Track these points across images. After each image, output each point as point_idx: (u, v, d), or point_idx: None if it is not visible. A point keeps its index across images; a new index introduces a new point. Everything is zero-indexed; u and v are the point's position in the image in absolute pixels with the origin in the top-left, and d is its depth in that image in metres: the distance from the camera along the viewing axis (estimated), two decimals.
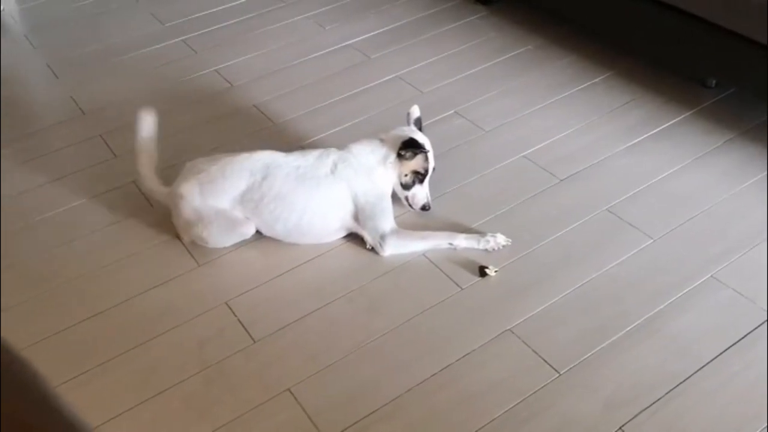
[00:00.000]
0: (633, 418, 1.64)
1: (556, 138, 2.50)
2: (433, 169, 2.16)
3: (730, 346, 1.79)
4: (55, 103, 2.86)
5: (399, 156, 2.11)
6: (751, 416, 1.64)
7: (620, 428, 1.62)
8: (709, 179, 2.31)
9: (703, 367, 1.75)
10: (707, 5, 2.39)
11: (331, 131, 2.57)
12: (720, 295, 1.93)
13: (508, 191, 2.28)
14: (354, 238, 2.12)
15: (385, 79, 2.85)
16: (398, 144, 2.10)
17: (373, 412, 1.67)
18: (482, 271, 2.00)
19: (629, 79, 2.77)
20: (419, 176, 2.13)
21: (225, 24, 3.27)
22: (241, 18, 3.31)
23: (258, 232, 2.09)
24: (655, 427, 1.63)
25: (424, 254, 2.07)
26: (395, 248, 2.06)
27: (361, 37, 3.12)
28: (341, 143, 2.18)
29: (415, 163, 2.11)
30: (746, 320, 1.86)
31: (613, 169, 2.36)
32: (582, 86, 2.75)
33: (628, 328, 1.84)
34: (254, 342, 1.85)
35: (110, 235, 2.18)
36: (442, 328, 1.87)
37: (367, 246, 2.09)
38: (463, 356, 1.79)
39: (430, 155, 2.14)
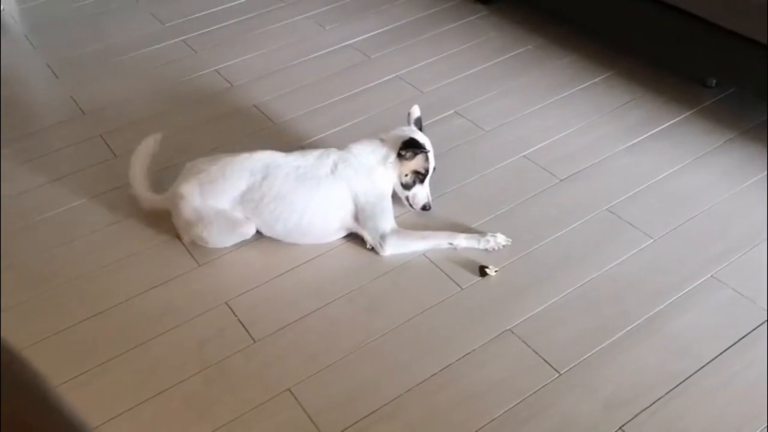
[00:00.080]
0: (633, 417, 1.64)
1: (556, 138, 2.50)
2: (434, 168, 2.16)
3: (730, 346, 1.79)
4: (55, 103, 2.86)
5: (399, 156, 2.11)
6: (751, 416, 1.64)
7: (620, 428, 1.62)
8: (709, 179, 2.31)
9: (703, 366, 1.75)
10: (707, 5, 2.39)
11: (331, 131, 2.57)
12: (720, 294, 1.93)
13: (508, 191, 2.28)
14: (354, 238, 2.12)
15: (385, 79, 2.85)
16: (398, 144, 2.10)
17: (373, 412, 1.67)
18: (482, 271, 2.00)
19: (629, 79, 2.77)
20: (420, 176, 2.13)
21: (225, 24, 3.27)
22: (241, 18, 3.31)
23: (258, 232, 2.09)
24: (655, 426, 1.63)
25: (424, 254, 2.07)
26: (395, 248, 2.06)
27: (361, 37, 3.12)
28: (341, 143, 2.18)
29: (416, 163, 2.11)
30: (746, 320, 1.86)
31: (613, 168, 2.36)
32: (582, 86, 2.75)
33: (628, 328, 1.84)
34: (254, 342, 1.85)
35: (110, 235, 2.18)
36: (442, 328, 1.87)
37: (367, 246, 2.09)
38: (463, 356, 1.79)
39: (431, 155, 2.14)
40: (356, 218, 2.08)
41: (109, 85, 2.89)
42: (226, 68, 2.96)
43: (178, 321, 1.90)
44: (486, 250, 2.07)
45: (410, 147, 2.09)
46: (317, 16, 3.30)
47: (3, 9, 3.44)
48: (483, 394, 1.70)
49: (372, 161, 2.11)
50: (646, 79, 2.76)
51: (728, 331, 1.83)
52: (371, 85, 2.82)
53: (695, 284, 1.95)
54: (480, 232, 2.11)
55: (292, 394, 1.71)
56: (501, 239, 2.08)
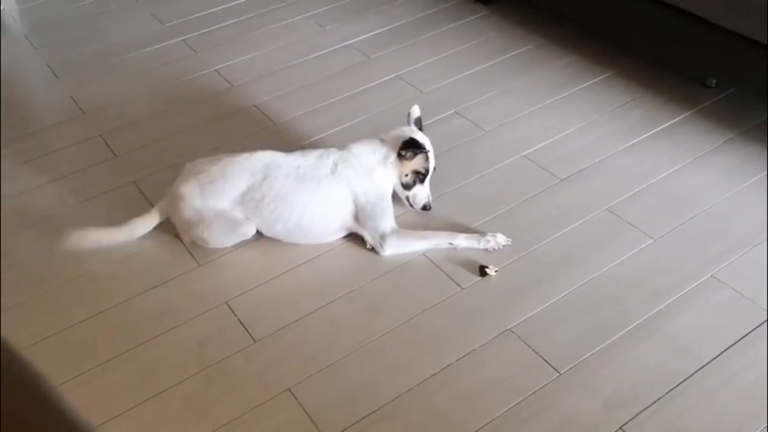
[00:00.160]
0: (633, 417, 1.64)
1: (556, 138, 2.50)
2: (434, 168, 2.16)
3: (731, 346, 1.79)
4: (55, 103, 2.85)
5: (399, 156, 2.11)
6: (751, 416, 1.64)
7: (620, 428, 1.62)
8: (709, 179, 2.31)
9: (703, 366, 1.75)
10: (707, 5, 2.39)
11: (331, 131, 2.57)
12: (720, 294, 1.93)
13: (508, 191, 2.28)
14: (354, 238, 2.12)
15: (385, 79, 2.85)
16: (399, 144, 2.10)
17: (374, 411, 1.67)
18: (482, 271, 2.00)
19: (629, 79, 2.77)
20: (420, 176, 2.13)
21: (225, 24, 3.27)
22: (241, 18, 3.31)
23: (258, 232, 2.09)
24: (655, 426, 1.63)
25: (424, 254, 2.07)
26: (395, 248, 2.06)
27: (361, 37, 3.12)
28: (341, 143, 2.18)
29: (416, 163, 2.11)
30: (746, 320, 1.86)
31: (613, 168, 2.36)
32: (582, 86, 2.76)
33: (628, 328, 1.84)
34: (254, 342, 1.85)
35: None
36: (442, 328, 1.87)
37: (367, 246, 2.09)
38: (463, 356, 1.79)
39: (431, 155, 2.14)
40: (356, 218, 2.08)
41: (109, 85, 2.89)
42: (226, 68, 2.96)
43: (178, 321, 1.90)
44: (486, 250, 2.07)
45: (410, 147, 2.09)
46: (317, 16, 3.30)
47: (3, 9, 3.44)
48: (483, 394, 1.70)
49: (372, 161, 2.11)
50: (646, 79, 2.76)
51: (728, 331, 1.83)
52: (371, 85, 2.82)
53: (695, 284, 1.95)
54: (480, 232, 2.11)
55: (292, 394, 1.71)
56: (501, 239, 2.08)
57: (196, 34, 3.21)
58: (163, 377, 1.76)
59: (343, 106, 2.71)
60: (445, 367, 1.77)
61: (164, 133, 2.60)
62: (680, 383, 1.71)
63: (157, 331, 1.88)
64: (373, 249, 2.08)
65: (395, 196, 2.17)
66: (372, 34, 3.14)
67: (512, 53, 2.97)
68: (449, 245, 2.08)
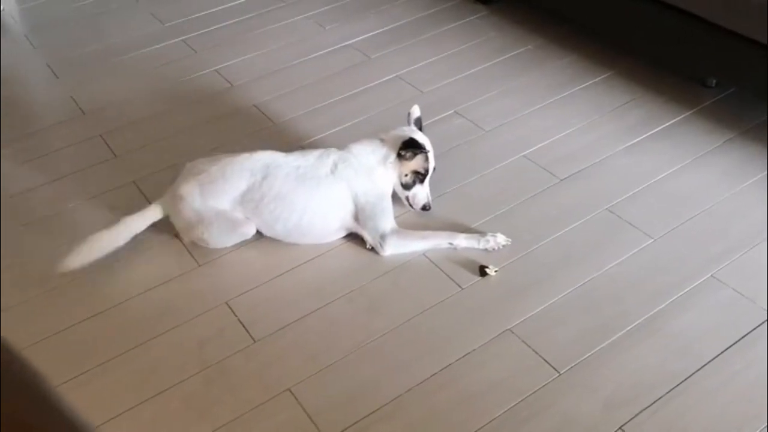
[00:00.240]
0: (633, 417, 1.64)
1: (556, 138, 2.50)
2: (434, 169, 2.16)
3: (731, 346, 1.79)
4: (55, 103, 2.86)
5: (399, 156, 2.11)
6: (751, 415, 1.64)
7: (620, 428, 1.62)
8: (709, 179, 2.31)
9: (703, 366, 1.75)
10: (707, 5, 2.39)
11: (331, 131, 2.57)
12: (720, 294, 1.93)
13: (508, 191, 2.28)
14: (354, 238, 2.12)
15: (385, 79, 2.85)
16: (398, 144, 2.10)
17: (374, 411, 1.67)
18: (482, 271, 2.00)
19: (629, 79, 2.77)
20: (419, 176, 2.13)
21: (225, 24, 3.27)
22: (241, 18, 3.31)
23: (258, 232, 2.09)
24: (655, 426, 1.63)
25: (424, 254, 2.07)
26: (395, 248, 2.06)
27: (361, 37, 3.12)
28: (341, 143, 2.18)
29: (416, 163, 2.11)
30: (746, 320, 1.86)
31: (613, 168, 2.36)
32: (582, 86, 2.76)
33: (629, 328, 1.84)
34: (254, 342, 1.85)
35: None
36: (442, 328, 1.87)
37: (367, 246, 2.09)
38: (463, 356, 1.79)
39: (431, 155, 2.13)
40: (356, 218, 2.08)
41: (109, 85, 2.89)
42: (226, 68, 2.96)
43: (178, 321, 1.90)
44: (486, 250, 2.07)
45: (410, 147, 2.09)
46: (317, 16, 3.30)
47: (3, 9, 3.44)
48: (483, 394, 1.70)
49: (372, 161, 2.11)
50: (646, 79, 2.76)
51: (728, 330, 1.83)
52: (371, 85, 2.82)
53: (695, 284, 1.95)
54: (480, 232, 2.11)
55: (292, 394, 1.71)
56: (501, 239, 2.08)
57: (196, 34, 3.21)
58: (163, 377, 1.76)
59: (343, 106, 2.71)
60: (445, 367, 1.76)
61: (164, 133, 2.60)
62: (680, 383, 1.71)
63: (157, 331, 1.88)
64: (373, 249, 2.08)
65: (395, 196, 2.17)
66: (372, 34, 3.14)
67: (512, 53, 2.97)
68: (449, 245, 2.08)
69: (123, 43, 3.17)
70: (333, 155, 2.11)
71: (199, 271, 2.05)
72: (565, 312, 1.89)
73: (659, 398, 1.68)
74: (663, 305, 1.90)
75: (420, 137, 2.14)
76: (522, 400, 1.68)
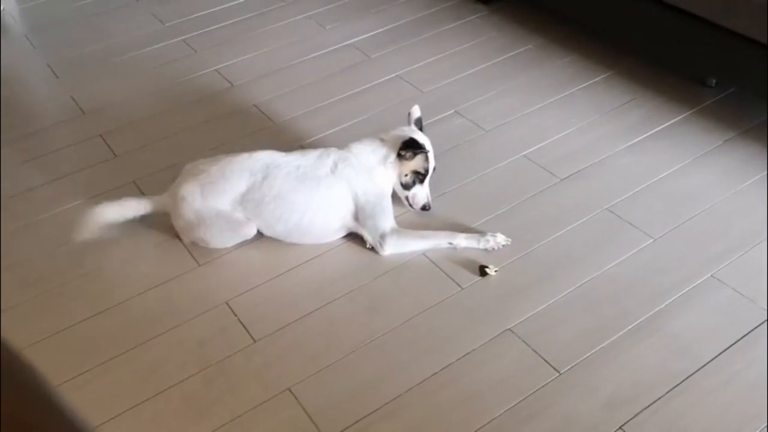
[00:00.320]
0: (633, 417, 1.64)
1: (557, 137, 2.50)
2: (434, 168, 2.16)
3: (731, 346, 1.79)
4: (55, 103, 2.85)
5: (399, 156, 2.11)
6: (751, 415, 1.64)
7: (620, 427, 1.62)
8: (709, 178, 2.31)
9: (703, 366, 1.75)
10: (707, 5, 2.39)
11: (331, 131, 2.57)
12: (720, 294, 1.93)
13: (508, 191, 2.28)
14: (354, 238, 2.12)
15: (385, 78, 2.85)
16: (398, 144, 2.10)
17: (374, 411, 1.67)
18: (482, 271, 2.00)
19: (629, 79, 2.77)
20: (419, 176, 2.13)
21: (225, 24, 3.27)
22: (241, 18, 3.31)
23: (259, 232, 2.09)
24: (655, 426, 1.63)
25: (424, 254, 2.07)
26: (395, 248, 2.06)
27: (361, 37, 3.12)
28: (341, 143, 2.18)
29: (416, 163, 2.11)
30: (746, 320, 1.86)
31: (613, 168, 2.36)
32: (582, 86, 2.75)
33: (629, 328, 1.84)
34: (254, 342, 1.85)
35: (110, 235, 2.18)
36: (442, 327, 1.87)
37: (367, 246, 2.09)
38: (464, 356, 1.79)
39: (431, 155, 2.13)
40: (356, 218, 2.08)
41: (109, 85, 2.89)
42: (226, 68, 2.96)
43: (178, 321, 1.90)
44: (486, 249, 2.07)
45: (410, 147, 2.09)
46: (317, 16, 3.30)
47: (3, 9, 3.44)
48: (483, 393, 1.70)
49: (372, 161, 2.11)
50: (646, 78, 2.76)
51: (728, 330, 1.83)
52: (371, 84, 2.82)
53: (695, 284, 1.95)
54: (480, 232, 2.11)
55: (292, 393, 1.72)
56: (501, 239, 2.08)
57: (196, 34, 3.21)
58: (163, 377, 1.76)
59: (343, 105, 2.71)
60: (445, 367, 1.76)
61: (164, 133, 2.60)
62: (680, 383, 1.71)
63: (157, 331, 1.88)
64: (373, 249, 2.08)
65: (395, 196, 2.17)
66: (372, 33, 3.14)
67: (512, 53, 2.97)
68: (449, 245, 2.08)
69: (123, 43, 3.17)
70: (333, 155, 2.11)
71: (199, 271, 2.05)
72: (565, 312, 1.89)
73: (659, 398, 1.68)
74: (663, 305, 1.90)
75: (420, 137, 2.14)
76: (522, 400, 1.68)
